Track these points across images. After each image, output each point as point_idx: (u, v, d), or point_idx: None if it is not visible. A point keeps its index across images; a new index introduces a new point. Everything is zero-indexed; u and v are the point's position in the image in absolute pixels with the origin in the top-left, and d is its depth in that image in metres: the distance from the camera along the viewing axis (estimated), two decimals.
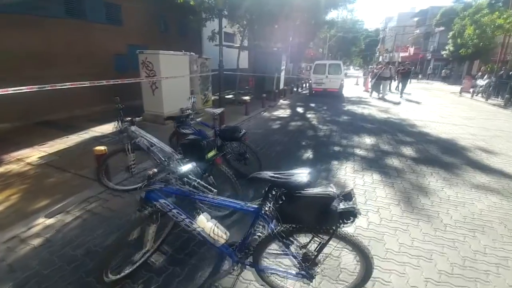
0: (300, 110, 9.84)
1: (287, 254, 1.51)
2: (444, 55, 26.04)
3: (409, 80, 14.21)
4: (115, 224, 2.67)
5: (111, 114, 5.11)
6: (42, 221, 2.71)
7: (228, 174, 2.45)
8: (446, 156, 4.93)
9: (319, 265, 1.54)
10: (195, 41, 11.85)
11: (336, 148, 5.19)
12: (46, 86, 4.01)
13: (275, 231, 1.40)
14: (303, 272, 1.54)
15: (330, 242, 1.45)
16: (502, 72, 14.23)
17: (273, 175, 1.42)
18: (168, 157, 2.64)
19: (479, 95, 14.31)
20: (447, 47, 24.83)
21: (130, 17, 8.75)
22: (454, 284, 2.02)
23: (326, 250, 1.50)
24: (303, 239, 1.53)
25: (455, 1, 28.93)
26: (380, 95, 12.89)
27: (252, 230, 1.48)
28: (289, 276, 1.64)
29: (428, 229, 2.67)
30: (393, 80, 16.95)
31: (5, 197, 3.15)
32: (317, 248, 1.44)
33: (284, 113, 9.06)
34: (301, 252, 1.51)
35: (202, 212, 1.54)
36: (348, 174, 3.93)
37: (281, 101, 11.85)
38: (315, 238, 1.41)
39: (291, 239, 1.44)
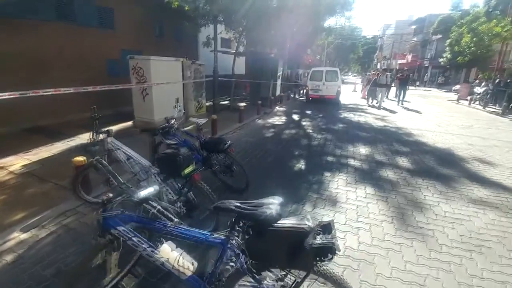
0: (295, 117, 9.72)
1: None
2: (442, 63, 26.25)
3: (408, 87, 14.03)
4: (88, 241, 2.51)
5: (103, 120, 4.95)
6: (17, 236, 2.61)
7: (207, 192, 2.29)
8: (442, 167, 4.79)
9: None
10: (191, 46, 11.77)
11: (330, 159, 5.04)
12: (29, 92, 3.86)
13: (244, 265, 1.23)
14: None
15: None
16: (498, 80, 14.24)
17: (239, 205, 1.25)
18: (146, 171, 2.49)
19: (477, 102, 14.30)
20: (444, 55, 25.04)
21: (124, 21, 8.65)
22: None
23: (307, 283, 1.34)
24: (279, 271, 1.37)
25: (453, 9, 29.20)
26: (377, 103, 12.80)
27: (221, 262, 1.31)
28: None
29: (422, 249, 2.51)
30: (389, 87, 17.05)
31: None
32: (294, 285, 1.27)
33: (279, 120, 8.93)
34: (278, 285, 1.34)
35: (166, 240, 1.37)
36: (340, 187, 3.77)
37: (277, 107, 11.74)
38: (290, 276, 1.25)
39: (263, 274, 1.28)
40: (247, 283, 1.41)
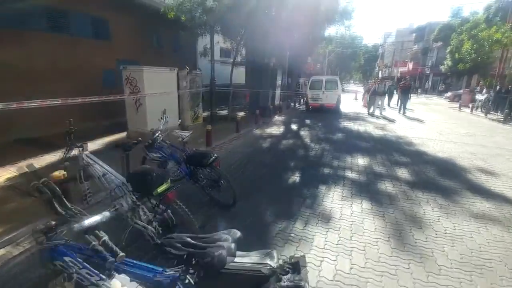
0: (294, 127, 9.58)
1: None
2: (443, 70, 26.22)
3: (409, 96, 13.81)
4: None
5: (97, 131, 4.82)
6: None
7: (183, 212, 2.12)
8: (443, 179, 4.58)
9: None
10: (190, 56, 11.78)
11: (326, 170, 4.86)
12: (12, 104, 3.79)
13: None
14: None
15: None
16: (499, 87, 14.12)
17: (189, 241, 1.09)
18: (122, 188, 2.33)
19: (479, 110, 14.16)
20: (445, 62, 25.01)
21: (120, 32, 8.67)
22: None
23: None
24: None
25: (452, 16, 29.31)
26: (376, 111, 12.65)
27: None
28: None
29: (419, 273, 2.30)
30: (388, 96, 16.87)
31: None
32: None
33: (277, 130, 8.79)
34: None
35: (119, 273, 1.20)
36: (335, 202, 3.58)
37: (276, 117, 11.63)
38: None
39: None
40: None
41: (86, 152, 2.48)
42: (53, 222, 1.23)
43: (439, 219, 3.23)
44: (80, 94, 4.98)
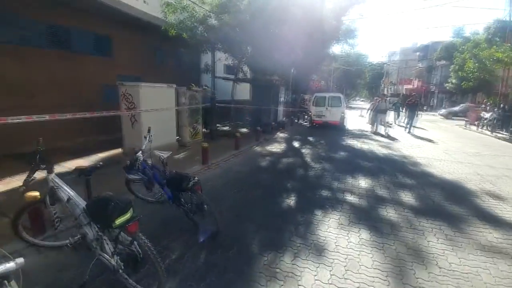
0: (296, 144, 9.35)
1: None
2: (448, 88, 26.34)
3: (417, 113, 13.33)
4: None
5: (93, 147, 4.66)
6: None
7: (147, 248, 1.88)
8: (450, 204, 4.25)
9: None
10: (193, 72, 11.85)
11: (324, 193, 4.58)
12: None
13: None
14: None
15: None
16: (503, 105, 14.14)
17: None
18: (84, 214, 2.13)
19: (484, 127, 14.06)
20: (450, 80, 25.21)
21: (122, 49, 8.79)
22: None
23: None
24: None
25: (454, 36, 29.68)
26: (381, 129, 12.34)
27: None
28: None
29: None
30: (395, 113, 16.62)
31: None
32: None
33: (278, 147, 8.57)
34: None
35: None
36: (330, 231, 3.29)
37: (278, 133, 11.45)
38: None
39: None
40: None
41: (53, 175, 2.30)
42: None
43: (444, 252, 2.90)
44: (79, 110, 4.93)
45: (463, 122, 17.26)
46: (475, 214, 3.91)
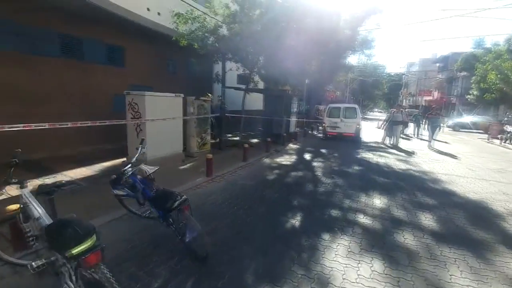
0: (307, 156, 8.96)
1: None
2: (469, 99, 25.30)
3: (439, 127, 12.29)
4: None
5: (100, 155, 4.57)
6: None
7: (107, 283, 1.60)
8: (475, 228, 3.76)
9: None
10: (205, 81, 11.83)
11: (334, 213, 4.17)
12: None
13: None
14: None
15: None
16: None
17: None
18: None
19: (507, 141, 13.52)
20: (471, 92, 24.21)
21: (135, 59, 8.86)
22: None
23: None
24: None
25: (475, 47, 28.71)
26: (393, 142, 11.64)
27: None
28: None
29: None
30: (415, 125, 15.79)
31: None
32: None
33: (288, 159, 8.21)
34: None
35: None
36: (338, 259, 2.89)
37: (290, 145, 11.10)
38: None
39: None
40: None
41: (26, 190, 2.10)
42: None
43: None
44: (88, 118, 4.91)
45: (485, 135, 16.33)
46: (503, 241, 3.43)
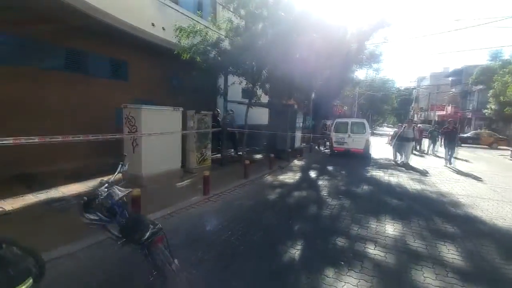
0: (312, 174, 8.48)
1: None
2: (487, 114, 24.26)
3: (457, 141, 11.39)
4: None
5: (99, 170, 4.35)
6: None
7: None
8: (507, 263, 3.20)
9: None
10: (209, 96, 11.65)
11: (340, 242, 3.68)
12: None
13: None
14: None
15: None
16: None
17: None
18: None
19: None
20: (488, 106, 23.26)
21: (138, 73, 8.78)
22: None
23: None
24: None
25: (491, 59, 27.95)
26: (403, 160, 10.59)
27: None
28: None
29: None
30: (431, 142, 14.91)
31: None
32: None
33: (291, 177, 7.76)
34: None
35: None
36: None
37: (295, 161, 10.65)
38: None
39: None
40: None
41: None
42: None
43: None
44: (90, 132, 4.78)
45: (508, 152, 15.43)
46: None
